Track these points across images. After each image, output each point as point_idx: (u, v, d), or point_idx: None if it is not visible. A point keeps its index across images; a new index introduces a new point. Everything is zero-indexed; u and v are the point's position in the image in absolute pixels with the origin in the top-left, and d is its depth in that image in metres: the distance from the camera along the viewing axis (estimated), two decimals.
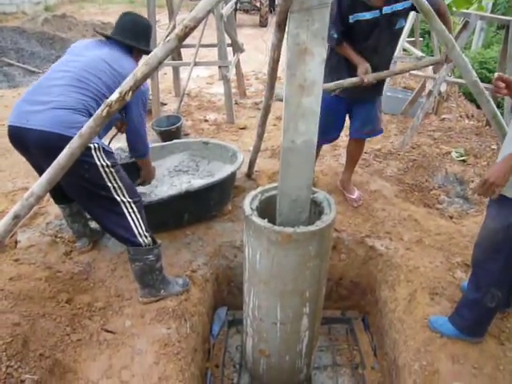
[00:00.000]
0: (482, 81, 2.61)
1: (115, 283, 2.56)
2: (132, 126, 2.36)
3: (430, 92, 4.43)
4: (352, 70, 2.80)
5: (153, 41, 4.18)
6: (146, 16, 3.17)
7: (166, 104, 5.64)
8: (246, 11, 13.92)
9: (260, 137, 3.24)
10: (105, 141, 2.29)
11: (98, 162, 2.05)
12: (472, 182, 3.78)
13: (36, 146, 2.05)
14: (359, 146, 3.38)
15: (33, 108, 2.05)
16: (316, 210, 2.08)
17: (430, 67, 5.43)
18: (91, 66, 2.17)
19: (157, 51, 1.50)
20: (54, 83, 2.12)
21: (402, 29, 2.87)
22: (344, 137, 3.73)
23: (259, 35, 10.50)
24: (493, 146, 4.50)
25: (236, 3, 8.49)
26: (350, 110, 3.17)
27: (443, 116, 5.45)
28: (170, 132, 4.24)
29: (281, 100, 1.78)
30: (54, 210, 3.17)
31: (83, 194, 2.18)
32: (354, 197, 3.41)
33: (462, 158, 4.22)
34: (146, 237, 2.28)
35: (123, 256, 2.69)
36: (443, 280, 2.66)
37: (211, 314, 2.98)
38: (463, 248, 2.94)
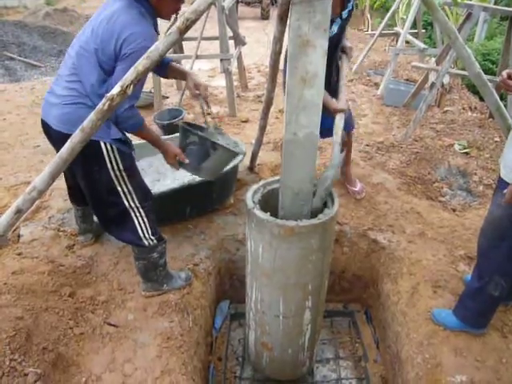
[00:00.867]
0: (485, 72, 2.59)
1: (118, 277, 2.57)
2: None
3: (433, 84, 4.40)
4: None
5: None
6: None
7: (167, 97, 5.62)
8: (248, 4, 13.82)
9: (262, 130, 3.23)
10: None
11: (109, 165, 2.01)
12: (475, 174, 3.77)
13: (54, 142, 2.06)
14: (349, 140, 3.38)
15: (52, 100, 2.03)
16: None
17: (433, 59, 5.39)
18: (89, 41, 1.90)
19: (158, 44, 1.49)
20: (63, 72, 2.03)
21: None
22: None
23: (261, 28, 10.45)
24: (496, 139, 4.48)
25: None
26: None
27: (446, 108, 5.42)
28: (172, 125, 4.23)
29: None
30: (56, 203, 3.18)
31: (92, 192, 2.17)
32: (356, 189, 3.40)
33: (464, 151, 4.20)
34: (151, 240, 2.26)
35: (125, 250, 2.70)
36: (446, 273, 2.66)
37: (214, 307, 2.99)
38: (466, 241, 2.93)
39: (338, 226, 3.02)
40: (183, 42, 5.74)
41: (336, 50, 2.68)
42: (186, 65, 5.52)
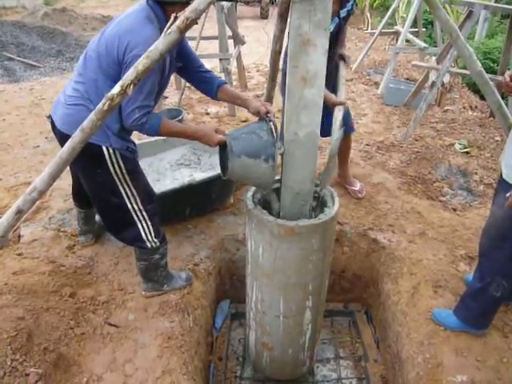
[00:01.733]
0: (486, 71, 2.58)
1: (118, 277, 2.56)
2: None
3: (433, 83, 4.40)
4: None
5: None
6: None
7: (167, 97, 5.61)
8: (247, 3, 13.79)
9: None
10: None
11: (112, 168, 1.99)
12: (475, 173, 3.77)
13: (59, 141, 2.05)
14: (348, 141, 3.37)
15: (60, 99, 2.03)
16: (319, 202, 2.07)
17: (433, 58, 5.39)
18: (99, 43, 1.90)
19: (158, 44, 1.48)
20: (74, 73, 2.02)
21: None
22: None
23: (260, 27, 10.41)
24: (496, 138, 4.47)
25: None
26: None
27: (446, 107, 5.41)
28: None
29: None
30: (56, 204, 3.17)
31: (96, 194, 2.17)
32: (356, 188, 3.39)
33: (465, 150, 4.20)
34: (154, 242, 2.26)
35: (126, 250, 2.70)
36: (446, 273, 2.66)
37: (214, 307, 2.99)
38: (467, 240, 2.93)
39: (338, 225, 3.01)
40: None
41: (333, 48, 2.67)
42: None
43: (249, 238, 2.04)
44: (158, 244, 2.27)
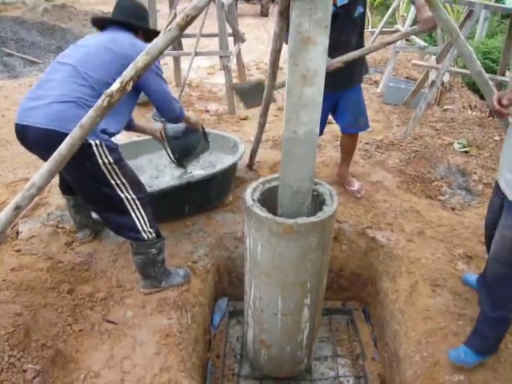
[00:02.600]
0: (486, 71, 2.57)
1: (116, 274, 2.56)
2: (157, 96, 2.24)
3: (433, 82, 4.40)
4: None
5: None
6: (146, 6, 3.12)
7: None
8: (247, 1, 13.79)
9: (261, 127, 3.22)
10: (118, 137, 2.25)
11: (100, 160, 2.02)
12: (474, 173, 3.77)
13: (35, 144, 2.05)
14: (353, 140, 3.36)
15: (33, 104, 2.02)
16: (318, 201, 2.07)
17: (433, 57, 5.38)
18: (92, 54, 2.08)
19: (158, 40, 1.48)
20: (54, 76, 2.06)
21: (361, 15, 2.80)
22: None
23: (260, 25, 10.40)
24: (496, 137, 4.48)
25: None
26: (337, 105, 3.15)
27: (446, 107, 5.41)
28: None
29: None
30: (55, 200, 3.17)
31: (87, 189, 2.17)
32: (355, 188, 3.39)
33: (464, 149, 4.20)
34: (150, 233, 2.27)
35: (124, 246, 2.70)
36: (445, 272, 2.66)
37: (212, 304, 2.99)
38: (465, 240, 2.93)
39: (336, 224, 3.01)
40: (182, 39, 5.73)
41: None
42: (184, 62, 5.52)
43: (247, 235, 2.04)
44: (153, 235, 2.28)
